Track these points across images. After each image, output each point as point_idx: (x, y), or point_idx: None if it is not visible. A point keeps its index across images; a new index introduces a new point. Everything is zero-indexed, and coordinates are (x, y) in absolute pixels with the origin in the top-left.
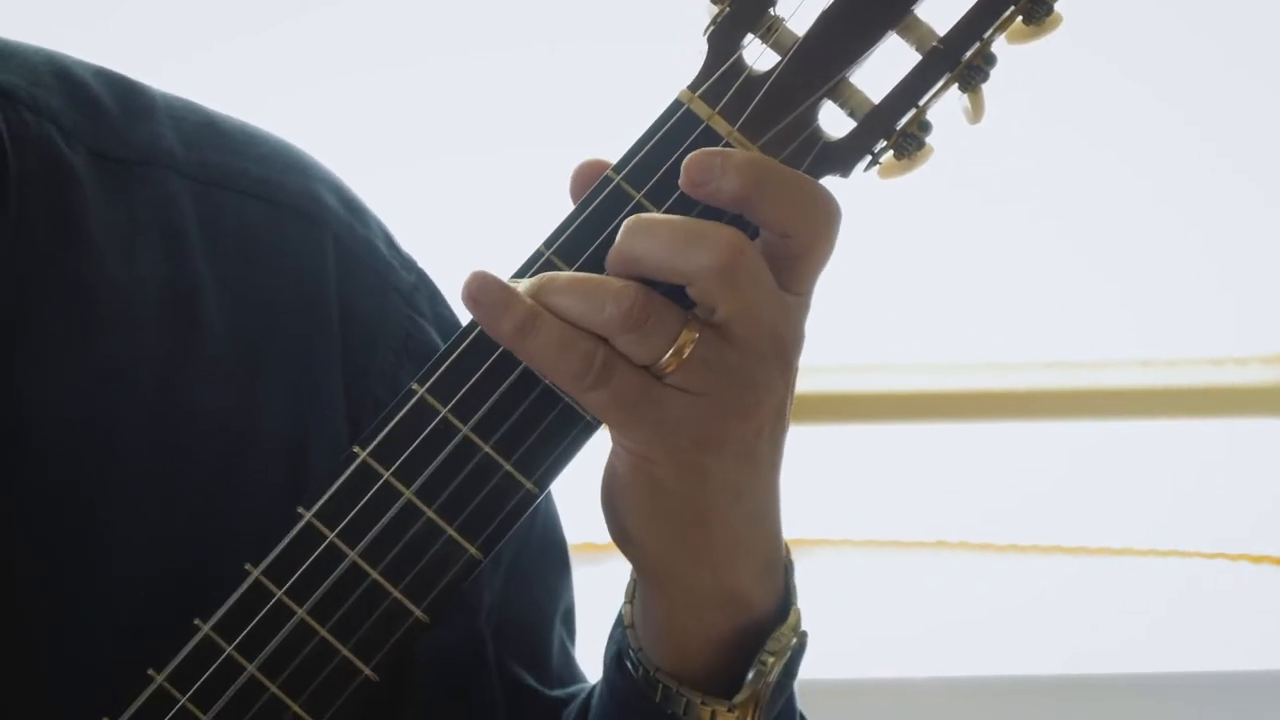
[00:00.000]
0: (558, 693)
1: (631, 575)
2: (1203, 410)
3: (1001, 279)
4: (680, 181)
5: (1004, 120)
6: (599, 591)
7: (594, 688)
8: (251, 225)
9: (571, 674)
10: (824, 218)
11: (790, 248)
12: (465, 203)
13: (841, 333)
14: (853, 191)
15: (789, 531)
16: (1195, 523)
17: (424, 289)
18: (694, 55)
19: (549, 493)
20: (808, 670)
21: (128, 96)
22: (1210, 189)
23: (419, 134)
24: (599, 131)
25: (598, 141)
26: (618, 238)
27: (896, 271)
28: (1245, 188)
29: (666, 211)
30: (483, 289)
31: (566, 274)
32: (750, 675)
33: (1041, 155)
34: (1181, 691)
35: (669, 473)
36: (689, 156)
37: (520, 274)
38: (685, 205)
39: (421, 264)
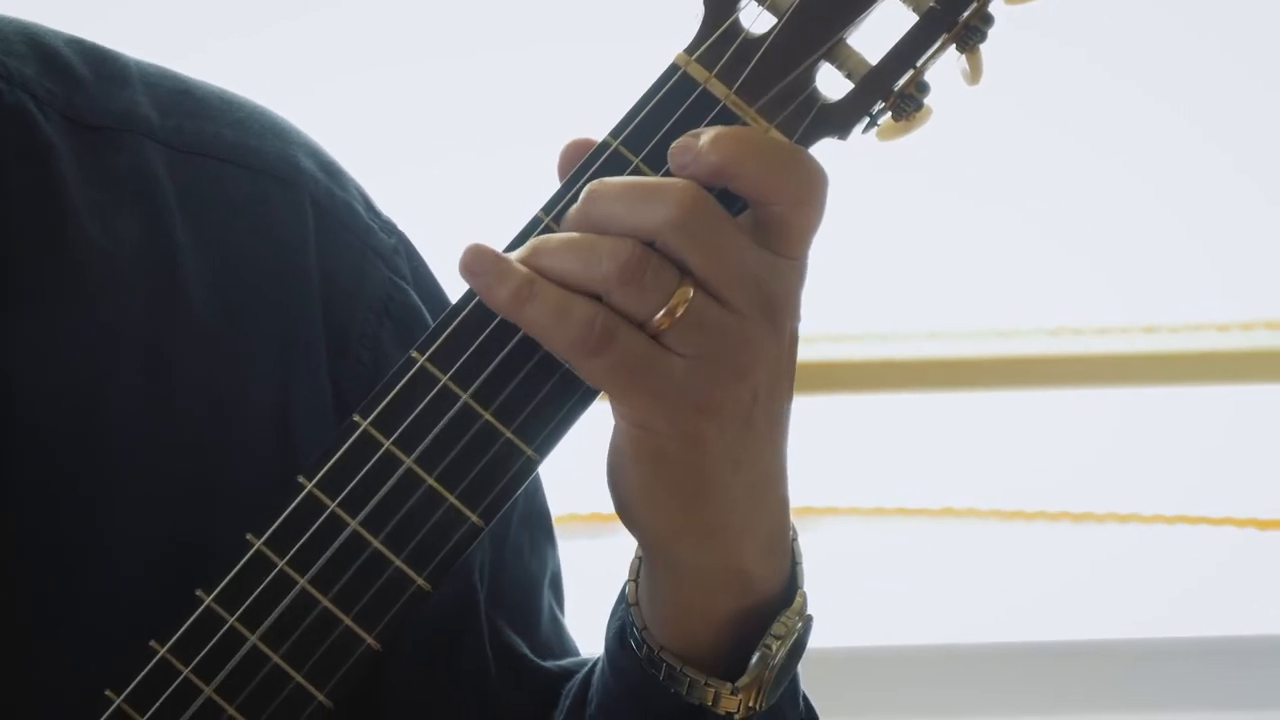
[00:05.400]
0: (551, 665)
1: (636, 553)
2: (1211, 377)
3: (1004, 245)
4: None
5: (1014, 93)
6: (607, 563)
7: (594, 663)
8: (229, 191)
9: (561, 642)
10: (806, 184)
11: (775, 214)
12: (462, 201)
13: (847, 301)
14: (859, 162)
15: (797, 500)
16: (1208, 489)
17: (403, 251)
18: (691, 23)
19: None
20: (815, 639)
21: (101, 64)
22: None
23: (416, 134)
24: (597, 128)
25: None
26: (577, 204)
27: (899, 239)
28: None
29: (665, 175)
30: (477, 259)
31: (559, 235)
32: (754, 659)
33: (1042, 139)
34: (1200, 657)
35: (670, 443)
36: (673, 144)
37: (518, 241)
38: None
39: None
